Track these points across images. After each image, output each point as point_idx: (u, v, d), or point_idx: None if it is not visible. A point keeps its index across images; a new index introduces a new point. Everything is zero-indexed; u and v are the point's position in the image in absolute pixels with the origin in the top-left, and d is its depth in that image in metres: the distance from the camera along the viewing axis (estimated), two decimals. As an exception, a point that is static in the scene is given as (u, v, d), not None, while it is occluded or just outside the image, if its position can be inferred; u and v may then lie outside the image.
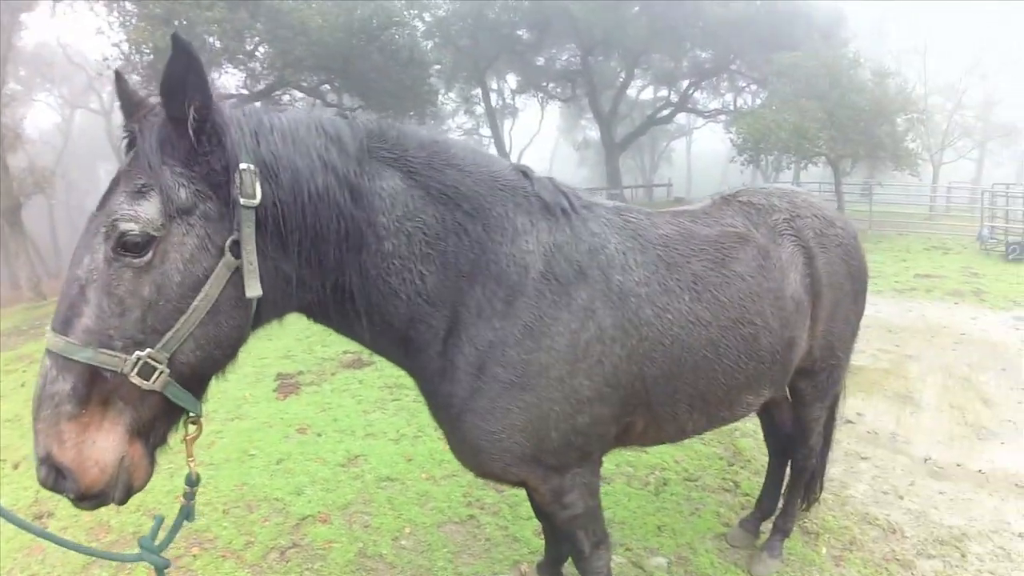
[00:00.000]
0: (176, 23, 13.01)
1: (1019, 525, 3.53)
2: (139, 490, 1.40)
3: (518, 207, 1.90)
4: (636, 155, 44.50)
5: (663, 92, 34.15)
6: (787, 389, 2.80)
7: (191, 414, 1.48)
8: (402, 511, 3.74)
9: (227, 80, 22.26)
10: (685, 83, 31.41)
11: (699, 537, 3.43)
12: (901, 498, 3.83)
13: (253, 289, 1.41)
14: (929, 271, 12.12)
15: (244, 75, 18.52)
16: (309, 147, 1.55)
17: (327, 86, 19.97)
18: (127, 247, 1.32)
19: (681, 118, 40.34)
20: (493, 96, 33.23)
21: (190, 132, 1.36)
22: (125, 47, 13.78)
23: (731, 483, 4.05)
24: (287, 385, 6.57)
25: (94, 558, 3.28)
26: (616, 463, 4.24)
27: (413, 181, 1.74)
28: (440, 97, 24.99)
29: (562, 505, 2.09)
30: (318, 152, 1.56)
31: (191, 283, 1.36)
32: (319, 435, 4.96)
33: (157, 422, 1.40)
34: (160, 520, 1.59)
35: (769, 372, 2.32)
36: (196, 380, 1.45)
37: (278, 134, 1.51)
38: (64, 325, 1.31)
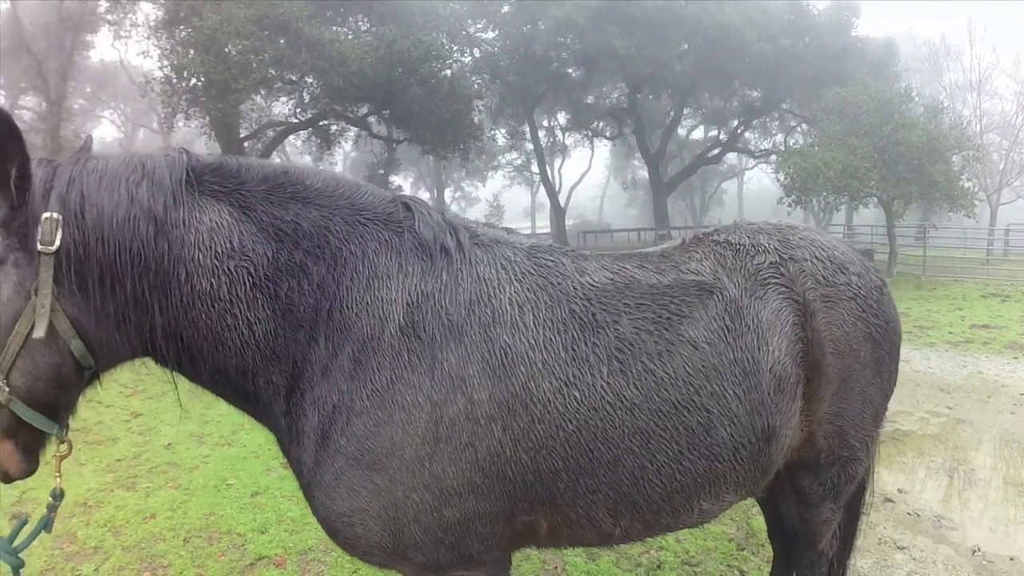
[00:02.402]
0: (226, 49, 13.53)
1: (1083, 637, 2.91)
2: (17, 478, 1.55)
3: (383, 245, 1.64)
4: (686, 195, 43.59)
5: (713, 132, 33.69)
6: (789, 483, 2.21)
7: (63, 433, 1.58)
8: (360, 564, 3.44)
9: (279, 108, 23.11)
10: (735, 122, 30.88)
11: (685, 635, 2.93)
12: (939, 599, 3.23)
13: (39, 330, 1.44)
14: (987, 321, 11.23)
15: (294, 103, 19.21)
16: (120, 183, 1.51)
17: (373, 117, 20.44)
18: None
19: (732, 158, 39.62)
20: (542, 133, 33.37)
21: (12, 191, 1.44)
22: (168, 71, 14.40)
23: (737, 572, 3.49)
24: (286, 413, 6.40)
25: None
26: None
27: (245, 216, 1.58)
28: (488, 133, 25.14)
29: None
30: (127, 187, 1.51)
31: (7, 322, 1.45)
32: (301, 470, 4.78)
33: (19, 430, 1.50)
34: (22, 522, 1.67)
35: (732, 473, 1.78)
36: (39, 404, 1.50)
37: (95, 176, 1.51)
38: None
